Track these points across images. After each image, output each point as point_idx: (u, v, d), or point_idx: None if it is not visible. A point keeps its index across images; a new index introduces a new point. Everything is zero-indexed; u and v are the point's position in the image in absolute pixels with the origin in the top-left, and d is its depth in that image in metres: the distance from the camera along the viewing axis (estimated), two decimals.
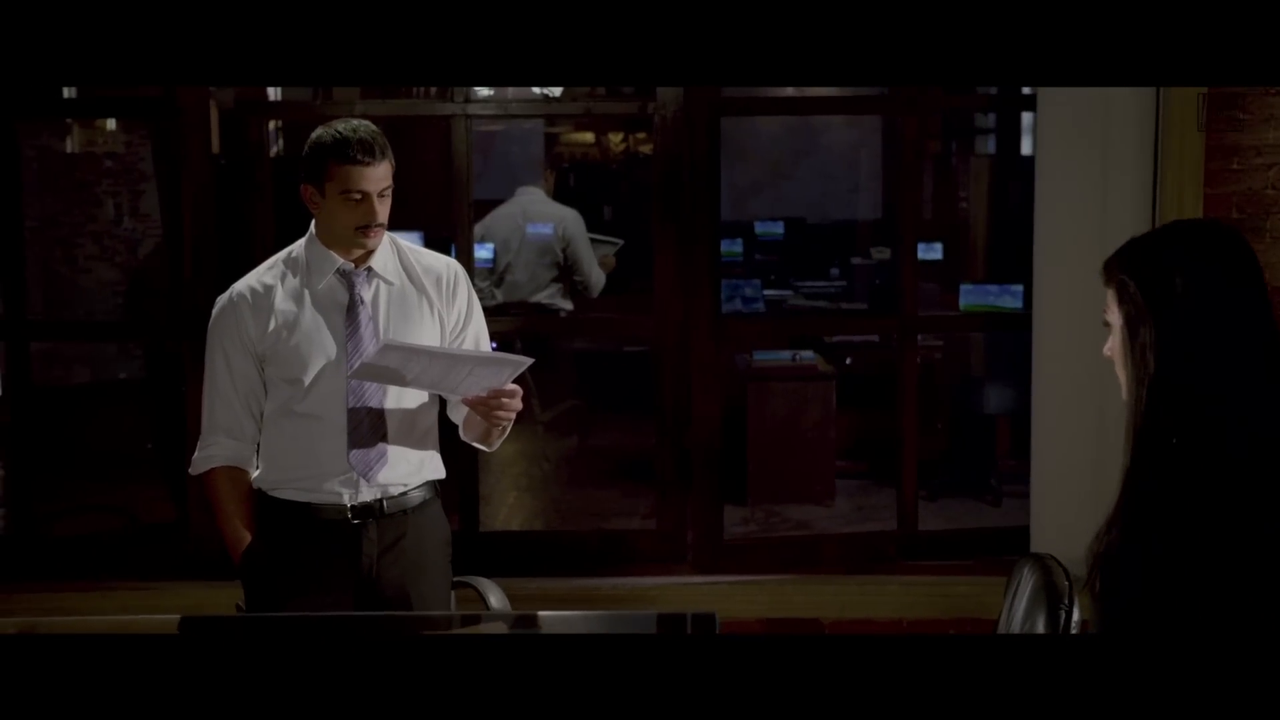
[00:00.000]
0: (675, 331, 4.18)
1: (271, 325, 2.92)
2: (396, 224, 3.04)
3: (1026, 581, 2.30)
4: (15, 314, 4.31)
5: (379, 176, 2.85)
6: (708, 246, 4.17)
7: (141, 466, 5.32)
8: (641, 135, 10.24)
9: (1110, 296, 1.93)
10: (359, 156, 2.81)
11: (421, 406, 2.99)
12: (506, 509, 5.82)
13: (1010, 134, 10.13)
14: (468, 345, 3.04)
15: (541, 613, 2.98)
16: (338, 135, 2.83)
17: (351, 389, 2.90)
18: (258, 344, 2.94)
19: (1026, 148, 9.79)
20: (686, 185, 4.15)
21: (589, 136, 10.36)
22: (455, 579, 3.18)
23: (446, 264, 3.05)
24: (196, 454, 3.01)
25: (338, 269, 2.93)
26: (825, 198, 11.98)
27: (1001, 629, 2.45)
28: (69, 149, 6.04)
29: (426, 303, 2.99)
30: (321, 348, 2.91)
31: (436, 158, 8.86)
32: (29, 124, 5.77)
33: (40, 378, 5.69)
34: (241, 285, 2.98)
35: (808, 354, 6.41)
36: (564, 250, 6.34)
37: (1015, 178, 8.92)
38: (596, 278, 6.38)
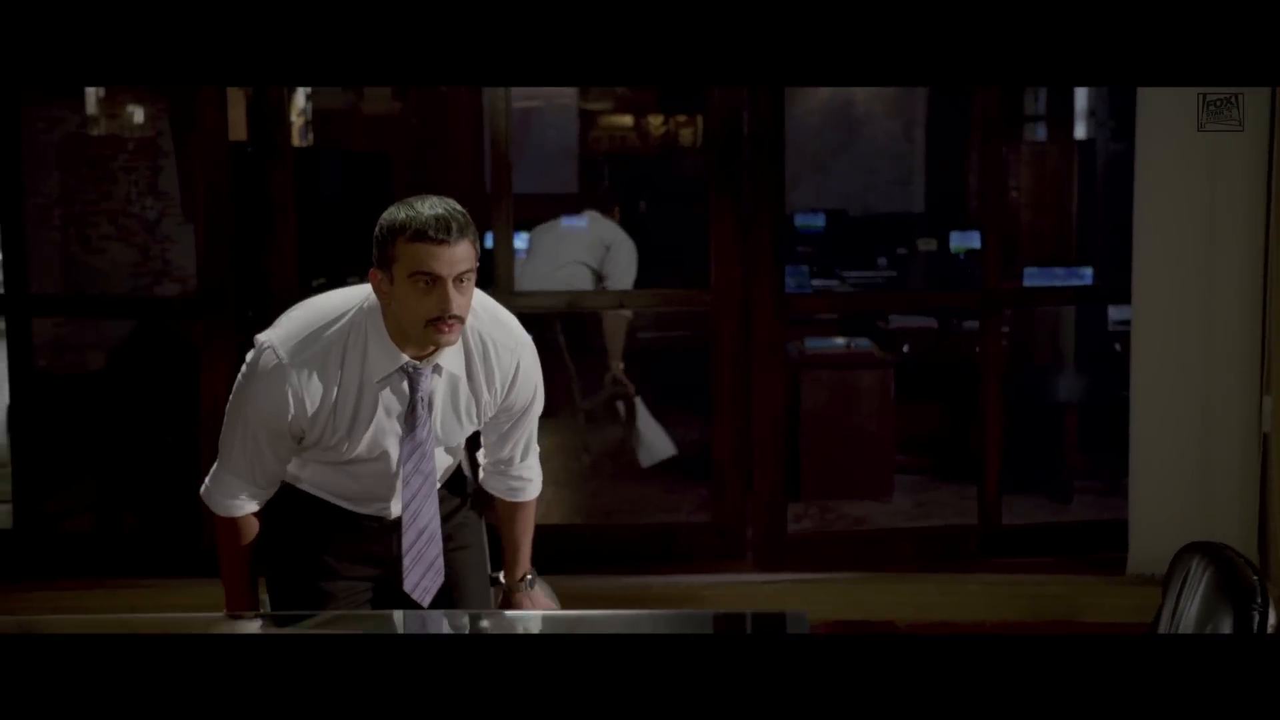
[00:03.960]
0: (735, 309, 3.83)
1: (318, 420, 2.53)
2: None
3: (1198, 576, 1.92)
4: (17, 288, 4.00)
5: (456, 259, 2.38)
6: (770, 215, 3.82)
7: (159, 457, 5.01)
8: (682, 118, 9.91)
9: None
10: (431, 233, 2.37)
11: (455, 457, 2.77)
12: (544, 505, 5.47)
13: (1062, 120, 9.77)
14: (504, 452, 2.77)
15: (587, 612, 2.77)
16: (409, 210, 2.41)
17: (405, 499, 2.62)
18: (296, 428, 2.54)
19: (1080, 133, 9.43)
20: (747, 148, 3.80)
21: (627, 120, 10.04)
22: (492, 575, 2.90)
23: (513, 362, 2.62)
24: (216, 495, 2.63)
25: (402, 365, 2.53)
26: (866, 190, 11.67)
27: (1164, 632, 2.07)
28: (94, 132, 5.76)
29: (477, 403, 2.62)
30: (372, 449, 2.58)
31: (469, 149, 8.63)
32: (47, 105, 5.48)
33: (53, 365, 5.40)
34: (292, 359, 2.49)
35: (863, 341, 6.04)
36: (604, 255, 6.00)
37: (1068, 164, 8.59)
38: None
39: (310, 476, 2.66)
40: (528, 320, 2.74)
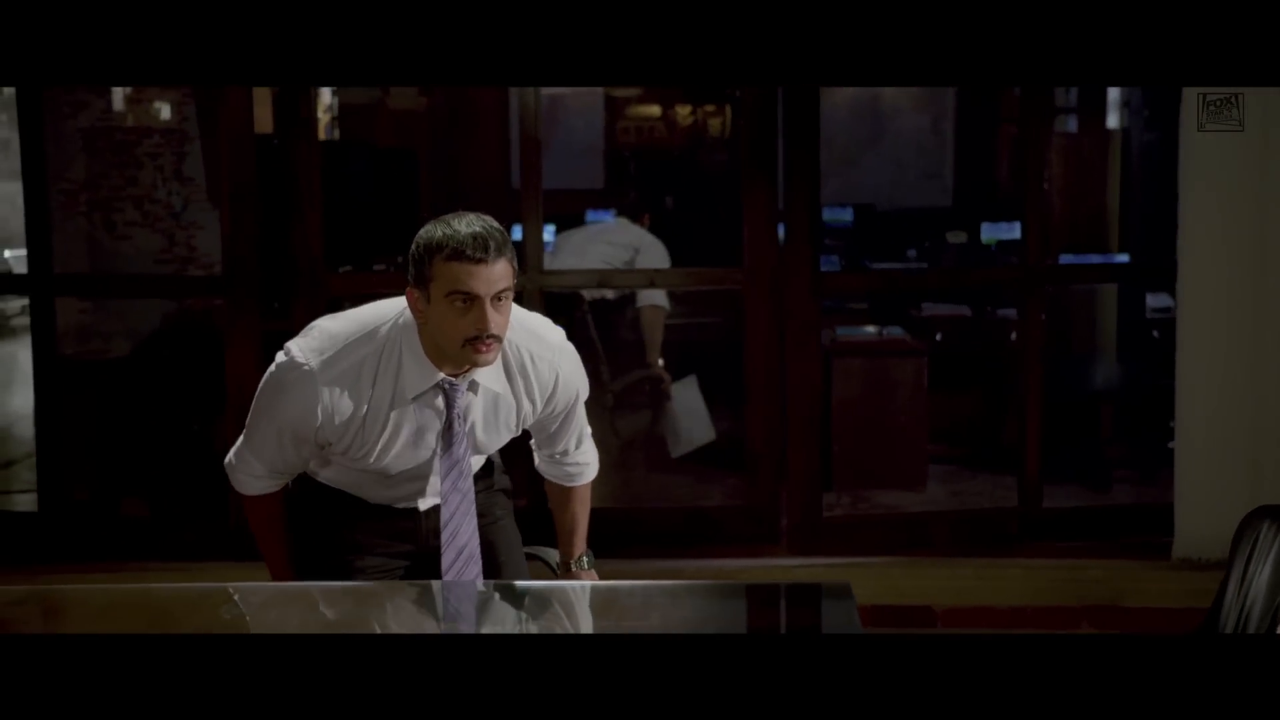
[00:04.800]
0: (768, 285, 3.75)
1: (346, 433, 2.47)
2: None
3: (1269, 540, 1.83)
4: (41, 268, 3.96)
5: (494, 277, 2.34)
6: (805, 190, 3.75)
7: (184, 444, 4.97)
8: (710, 108, 9.84)
9: None
10: (469, 252, 2.32)
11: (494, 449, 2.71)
12: None
13: (1095, 110, 9.66)
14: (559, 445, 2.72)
15: (623, 583, 2.71)
16: (446, 228, 2.36)
17: (444, 518, 2.57)
18: (322, 437, 2.49)
19: (1112, 122, 9.31)
20: (781, 122, 3.74)
21: (655, 110, 9.98)
22: (529, 551, 2.87)
23: (552, 373, 2.56)
24: (240, 472, 2.61)
25: (438, 382, 2.47)
26: (894, 184, 11.59)
27: (1231, 601, 1.98)
28: (124, 124, 5.72)
29: (516, 413, 2.57)
30: (401, 462, 2.53)
31: (495, 145, 8.58)
32: (72, 90, 5.44)
33: (80, 354, 5.37)
34: (323, 373, 2.43)
35: (895, 329, 5.96)
36: (632, 258, 5.93)
37: (1101, 154, 8.49)
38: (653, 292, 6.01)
39: (332, 476, 2.61)
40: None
